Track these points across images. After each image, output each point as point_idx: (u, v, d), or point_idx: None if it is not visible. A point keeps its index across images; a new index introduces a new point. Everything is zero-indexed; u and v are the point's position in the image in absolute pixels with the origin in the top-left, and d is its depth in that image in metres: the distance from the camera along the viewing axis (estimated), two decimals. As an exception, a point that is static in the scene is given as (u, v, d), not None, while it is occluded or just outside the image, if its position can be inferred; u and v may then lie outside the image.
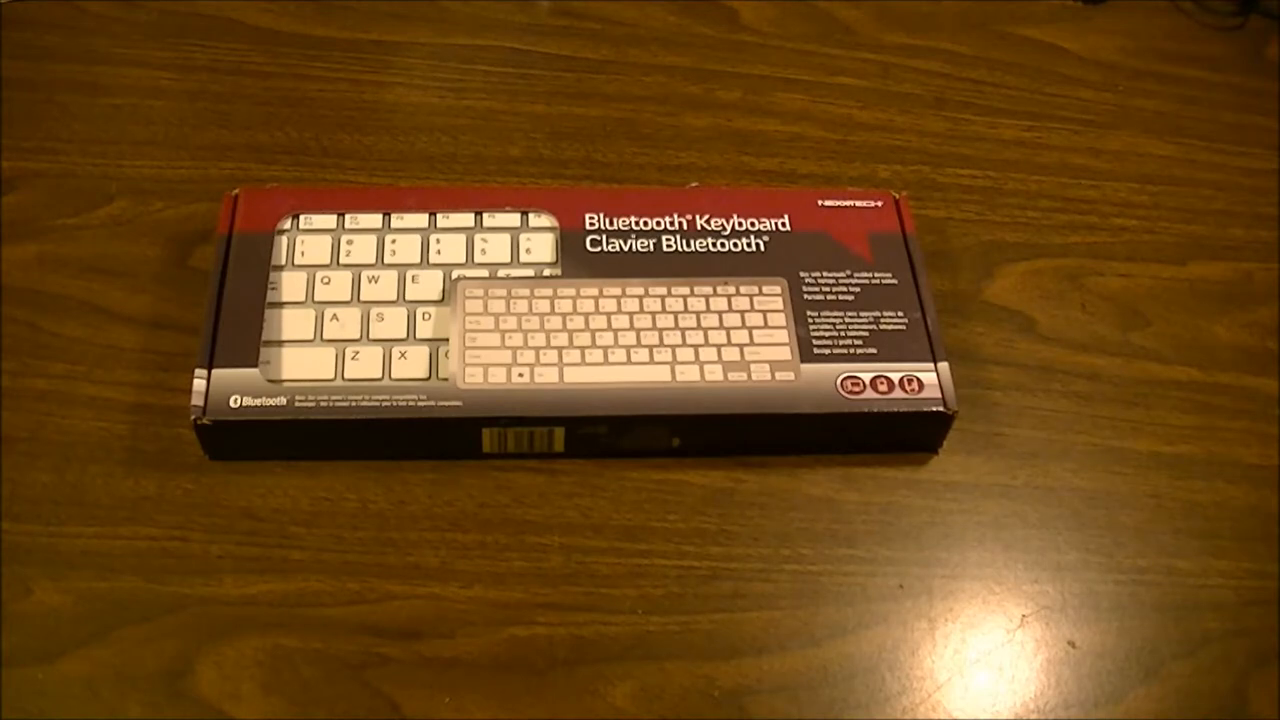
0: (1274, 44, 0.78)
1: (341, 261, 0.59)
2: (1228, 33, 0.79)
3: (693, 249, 0.60)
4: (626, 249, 0.59)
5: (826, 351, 0.56)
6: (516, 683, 0.50)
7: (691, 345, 0.56)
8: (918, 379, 0.56)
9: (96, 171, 0.65)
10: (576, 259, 0.59)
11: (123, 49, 0.71)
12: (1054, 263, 0.65)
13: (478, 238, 0.60)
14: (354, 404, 0.54)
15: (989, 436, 0.58)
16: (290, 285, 0.58)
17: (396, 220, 0.60)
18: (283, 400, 0.54)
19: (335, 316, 0.57)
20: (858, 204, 0.62)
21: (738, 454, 0.57)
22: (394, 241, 0.59)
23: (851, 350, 0.57)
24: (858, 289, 0.59)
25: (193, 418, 0.53)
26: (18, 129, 0.67)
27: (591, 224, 0.60)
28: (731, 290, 0.58)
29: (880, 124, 0.71)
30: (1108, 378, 0.61)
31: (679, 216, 0.61)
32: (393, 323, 0.57)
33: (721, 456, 0.57)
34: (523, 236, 0.60)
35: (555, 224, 0.60)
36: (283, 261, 0.58)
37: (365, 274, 0.58)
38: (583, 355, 0.56)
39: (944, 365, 0.56)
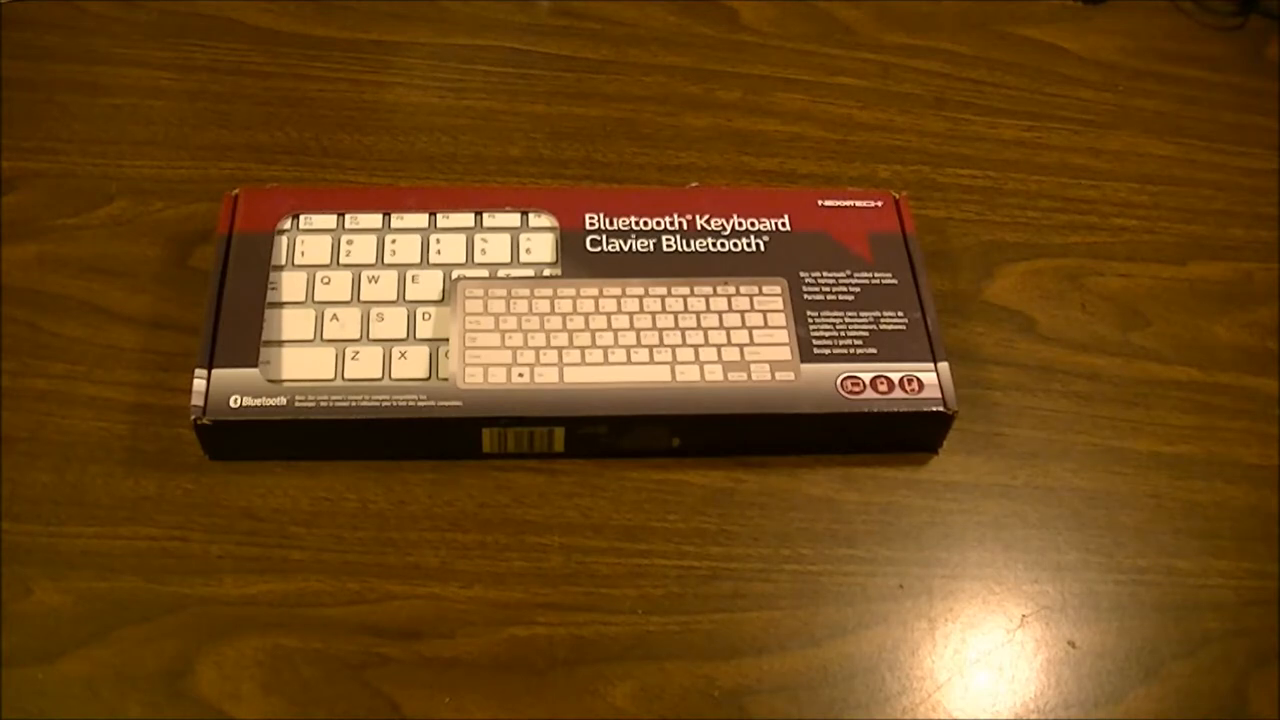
0: (1274, 44, 0.78)
1: (341, 261, 0.59)
2: (1228, 33, 0.79)
3: (693, 249, 0.60)
4: (626, 249, 0.59)
5: (826, 351, 0.56)
6: (516, 683, 0.50)
7: (691, 345, 0.56)
8: (918, 379, 0.56)
9: (96, 171, 0.65)
10: (576, 259, 0.59)
11: (123, 49, 0.71)
12: (1054, 263, 0.65)
13: (478, 238, 0.60)
14: (354, 404, 0.54)
15: (989, 436, 0.58)
16: (290, 285, 0.58)
17: (396, 220, 0.60)
18: (283, 400, 0.54)
19: (335, 316, 0.57)
20: (858, 204, 0.62)
21: (738, 454, 0.57)
22: (394, 241, 0.59)
23: (851, 350, 0.57)
24: (858, 289, 0.59)
25: (193, 418, 0.53)
26: (18, 129, 0.67)
27: (591, 224, 0.60)
28: (731, 290, 0.58)
29: (880, 124, 0.71)
30: (1108, 378, 0.61)
31: (679, 216, 0.61)
32: (393, 323, 0.57)
33: (721, 456, 0.57)
34: (523, 236, 0.60)
35: (555, 224, 0.60)
36: (283, 261, 0.58)
37: (365, 274, 0.58)
38: (583, 355, 0.56)
39: (944, 365, 0.56)
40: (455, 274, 0.58)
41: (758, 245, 0.60)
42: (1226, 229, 0.68)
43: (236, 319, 0.56)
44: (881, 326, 0.57)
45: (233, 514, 0.54)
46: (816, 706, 0.50)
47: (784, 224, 0.61)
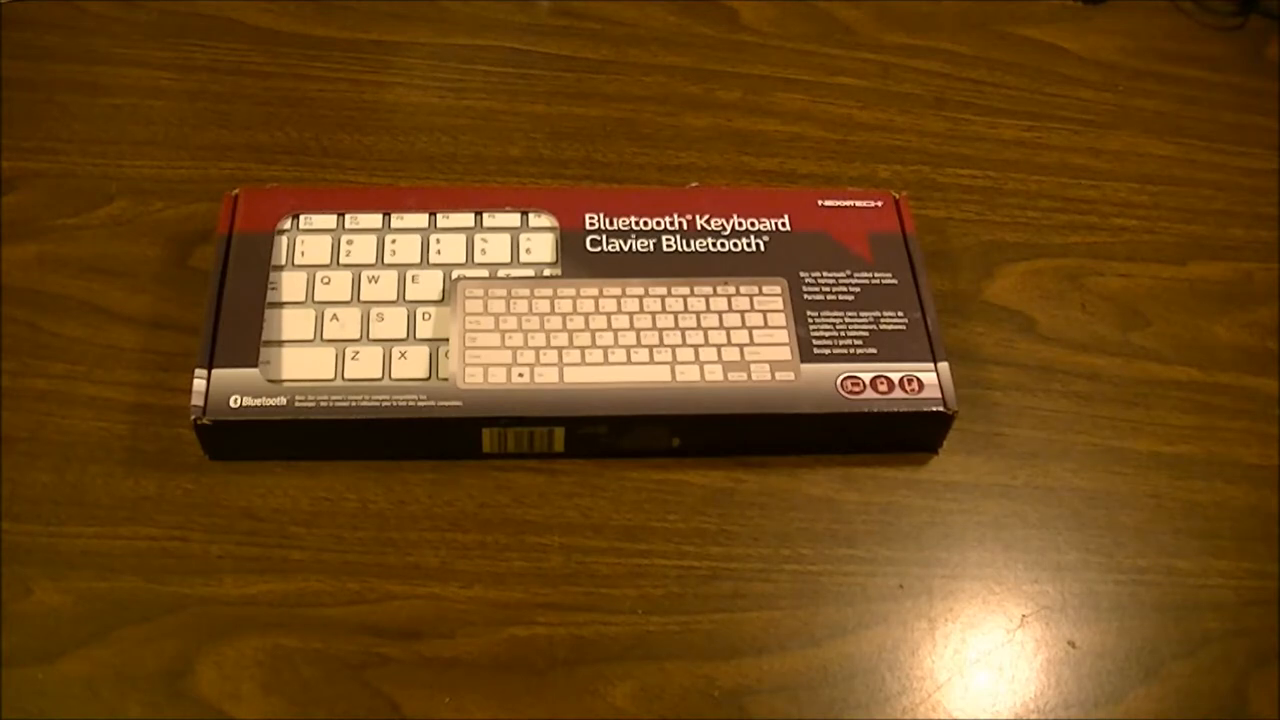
0: (1274, 44, 0.78)
1: (341, 261, 0.59)
2: (1228, 33, 0.79)
3: (693, 249, 0.60)
4: (626, 249, 0.59)
5: (826, 351, 0.56)
6: (516, 683, 0.50)
7: (691, 345, 0.56)
8: (918, 379, 0.56)
9: (96, 171, 0.65)
10: (576, 259, 0.59)
11: (123, 49, 0.71)
12: (1054, 263, 0.65)
13: (478, 238, 0.60)
14: (354, 404, 0.54)
15: (989, 436, 0.58)
16: (290, 285, 0.58)
17: (396, 220, 0.60)
18: (283, 400, 0.54)
19: (335, 316, 0.57)
20: (858, 204, 0.62)
21: (738, 454, 0.57)
22: (394, 241, 0.59)
23: (851, 350, 0.57)
24: (858, 289, 0.59)
25: (193, 418, 0.53)
26: (18, 129, 0.67)
27: (591, 224, 0.60)
28: (731, 290, 0.58)
29: (880, 124, 0.71)
30: (1108, 378, 0.61)
31: (679, 216, 0.61)
32: (393, 323, 0.57)
33: (721, 456, 0.57)
34: (523, 236, 0.60)
35: (555, 224, 0.60)
36: (283, 261, 0.58)
37: (365, 274, 0.58)
38: (583, 355, 0.56)
39: (944, 365, 0.56)
40: (455, 274, 0.58)
41: (758, 245, 0.60)
42: (1226, 229, 0.68)
43: (236, 319, 0.56)
44: (881, 326, 0.57)
45: (233, 514, 0.54)
46: (816, 706, 0.50)
47: (784, 224, 0.61)
